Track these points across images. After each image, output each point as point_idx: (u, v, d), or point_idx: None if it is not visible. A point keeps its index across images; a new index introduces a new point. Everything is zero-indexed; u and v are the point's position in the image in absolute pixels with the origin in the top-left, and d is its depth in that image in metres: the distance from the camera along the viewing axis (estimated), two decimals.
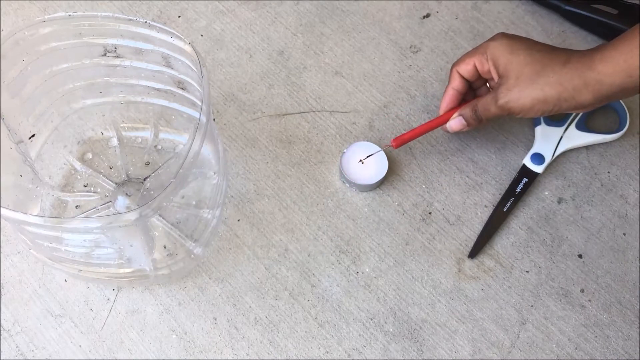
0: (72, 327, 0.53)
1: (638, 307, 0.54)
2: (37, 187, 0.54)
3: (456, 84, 0.56)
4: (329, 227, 0.57)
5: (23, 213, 0.38)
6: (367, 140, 0.59)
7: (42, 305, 0.53)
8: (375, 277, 0.55)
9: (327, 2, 0.69)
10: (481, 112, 0.53)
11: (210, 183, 0.54)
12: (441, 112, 0.57)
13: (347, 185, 0.58)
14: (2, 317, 0.53)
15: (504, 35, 0.53)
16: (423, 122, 0.59)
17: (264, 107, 0.63)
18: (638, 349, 0.52)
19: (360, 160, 0.57)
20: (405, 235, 0.56)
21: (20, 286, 0.54)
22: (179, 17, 0.68)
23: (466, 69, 0.55)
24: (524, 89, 0.50)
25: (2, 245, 0.56)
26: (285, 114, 0.62)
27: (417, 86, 0.64)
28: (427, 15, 0.68)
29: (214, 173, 0.52)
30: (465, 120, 0.55)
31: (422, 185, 0.59)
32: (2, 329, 0.52)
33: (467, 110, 0.55)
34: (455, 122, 0.55)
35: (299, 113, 0.62)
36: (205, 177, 0.54)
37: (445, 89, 0.57)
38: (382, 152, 0.58)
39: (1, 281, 0.54)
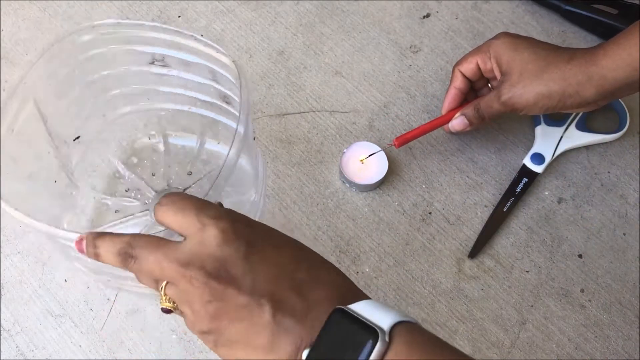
0: (72, 327, 0.53)
1: (638, 307, 0.54)
2: (72, 193, 0.53)
3: (458, 83, 0.56)
4: (329, 227, 0.57)
5: (56, 227, 0.35)
6: (367, 140, 0.59)
7: (42, 305, 0.53)
8: (375, 277, 0.55)
9: (327, 2, 0.69)
10: (484, 109, 0.53)
11: (248, 200, 0.52)
12: (443, 111, 0.57)
13: (347, 185, 0.58)
14: (2, 317, 0.53)
15: (507, 35, 0.53)
16: (423, 122, 0.59)
17: (264, 107, 0.63)
18: (638, 349, 0.52)
19: (361, 160, 0.57)
20: (405, 235, 0.56)
21: (20, 286, 0.54)
22: (179, 17, 0.68)
23: (469, 67, 0.55)
24: (528, 84, 0.50)
25: (2, 245, 0.56)
26: (285, 114, 0.62)
27: (417, 86, 0.64)
28: (427, 15, 0.68)
29: (253, 192, 0.51)
30: (468, 120, 0.55)
31: (422, 185, 0.59)
32: (2, 329, 0.52)
33: (469, 109, 0.55)
34: (457, 122, 0.55)
35: (299, 113, 0.62)
36: (242, 194, 0.53)
37: (448, 88, 0.57)
38: (382, 152, 0.58)
39: (1, 281, 0.54)
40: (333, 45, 0.66)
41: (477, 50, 0.54)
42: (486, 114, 0.54)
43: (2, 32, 0.67)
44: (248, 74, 0.51)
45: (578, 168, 0.60)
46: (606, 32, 0.65)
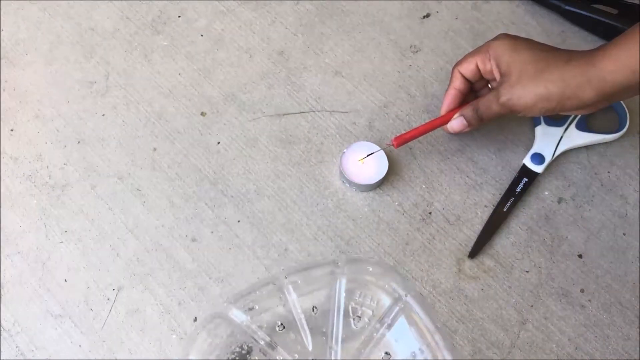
0: (72, 327, 0.53)
1: (638, 307, 0.54)
2: None
3: (458, 83, 0.56)
4: (329, 227, 0.57)
5: None
6: (367, 140, 0.59)
7: (42, 305, 0.53)
8: None
9: (327, 2, 0.69)
10: (482, 111, 0.53)
11: None
12: (442, 112, 0.57)
13: (347, 185, 0.58)
14: (2, 317, 0.53)
15: (506, 36, 0.53)
16: (423, 122, 0.59)
17: (264, 107, 0.63)
18: (638, 349, 0.52)
19: (360, 160, 0.57)
20: (405, 235, 0.56)
21: (20, 286, 0.54)
22: (179, 17, 0.68)
23: (468, 68, 0.55)
24: (526, 86, 0.50)
25: (2, 245, 0.56)
26: (285, 114, 0.62)
27: (417, 86, 0.64)
28: (427, 15, 0.68)
29: None
30: (467, 120, 0.55)
31: (422, 185, 0.59)
32: (2, 329, 0.52)
33: (468, 110, 0.55)
34: (456, 123, 0.55)
35: (299, 113, 0.62)
36: None
37: (447, 89, 0.57)
38: (382, 152, 0.58)
39: (1, 281, 0.54)
40: (333, 45, 0.66)
41: (476, 51, 0.54)
42: (485, 115, 0.54)
43: (2, 32, 0.67)
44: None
45: (578, 168, 0.60)
46: (606, 32, 0.65)
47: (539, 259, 0.56)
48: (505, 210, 0.57)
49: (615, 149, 0.61)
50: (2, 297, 0.54)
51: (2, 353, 0.52)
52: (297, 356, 0.42)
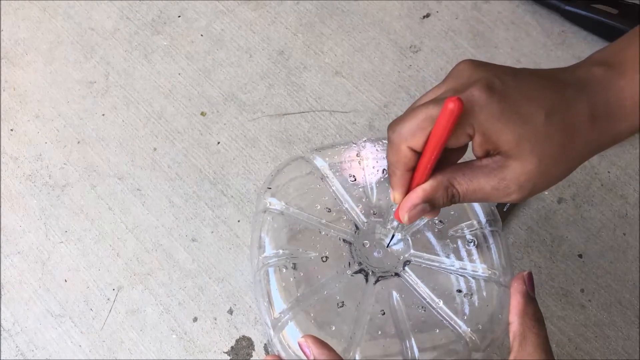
0: (72, 327, 0.53)
1: (638, 307, 0.54)
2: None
3: (408, 162, 0.35)
4: None
5: None
6: (367, 140, 0.59)
7: (42, 305, 0.53)
8: None
9: (327, 2, 0.69)
10: (464, 191, 0.34)
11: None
12: (397, 200, 0.36)
13: None
14: (2, 317, 0.53)
15: (486, 87, 0.31)
16: None
17: (264, 107, 0.63)
18: (638, 349, 0.52)
19: None
20: None
21: (20, 286, 0.54)
22: (179, 17, 0.68)
23: (421, 141, 0.34)
24: (551, 169, 0.35)
25: (2, 245, 0.56)
26: (285, 114, 0.62)
27: (417, 86, 0.64)
28: (427, 15, 0.68)
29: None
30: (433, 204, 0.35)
31: None
32: (2, 329, 0.53)
33: (434, 186, 0.35)
34: (415, 212, 0.35)
35: (299, 113, 0.62)
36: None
37: (390, 168, 0.36)
38: None
39: (1, 281, 0.54)
40: (333, 45, 0.66)
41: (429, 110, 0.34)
42: (467, 196, 0.34)
43: (2, 32, 0.67)
44: None
45: (578, 168, 0.60)
46: (606, 32, 0.65)
47: (539, 259, 0.56)
48: (505, 210, 0.57)
49: (615, 149, 0.61)
50: (2, 297, 0.54)
51: (2, 353, 0.52)
52: (360, 206, 0.45)
